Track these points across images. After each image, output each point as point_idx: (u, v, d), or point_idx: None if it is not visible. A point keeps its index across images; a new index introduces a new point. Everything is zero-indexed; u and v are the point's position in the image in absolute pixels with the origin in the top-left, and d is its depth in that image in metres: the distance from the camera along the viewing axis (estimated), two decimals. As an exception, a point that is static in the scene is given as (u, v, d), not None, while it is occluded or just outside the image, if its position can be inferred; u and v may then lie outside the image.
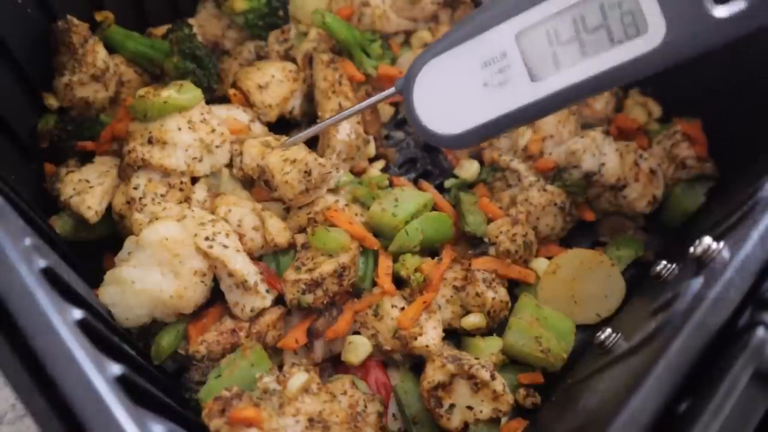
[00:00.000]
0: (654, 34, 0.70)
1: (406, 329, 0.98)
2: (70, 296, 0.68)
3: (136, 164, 1.01)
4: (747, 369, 0.61)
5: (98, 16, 1.17)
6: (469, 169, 1.20)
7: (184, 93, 1.04)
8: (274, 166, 1.02)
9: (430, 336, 0.99)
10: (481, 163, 1.22)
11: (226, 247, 0.97)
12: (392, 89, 0.86)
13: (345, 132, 1.12)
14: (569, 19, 0.73)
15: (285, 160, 1.02)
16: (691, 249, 0.73)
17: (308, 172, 1.02)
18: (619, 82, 0.76)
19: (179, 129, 1.02)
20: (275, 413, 0.82)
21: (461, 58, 0.78)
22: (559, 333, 1.03)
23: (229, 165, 1.10)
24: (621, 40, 0.72)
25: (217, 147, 1.06)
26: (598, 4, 0.72)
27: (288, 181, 1.01)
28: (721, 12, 0.68)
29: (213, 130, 1.05)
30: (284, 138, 1.10)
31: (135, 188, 1.01)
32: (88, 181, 1.04)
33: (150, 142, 1.01)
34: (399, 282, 1.04)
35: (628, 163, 1.15)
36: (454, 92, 0.80)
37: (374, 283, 1.04)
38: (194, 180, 1.07)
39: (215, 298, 1.00)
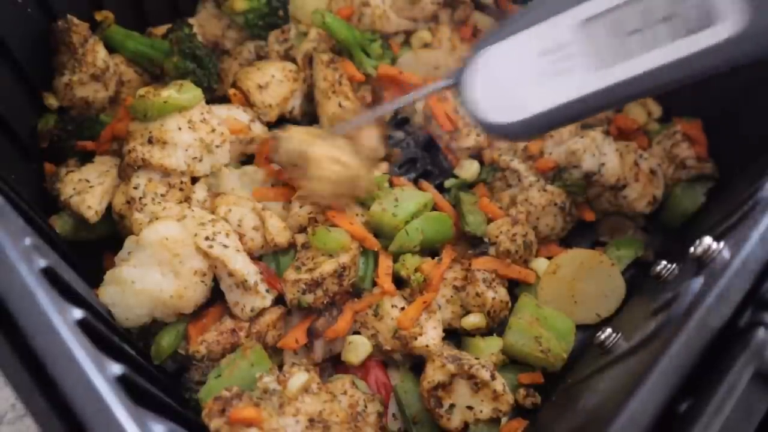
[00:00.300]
0: (728, 24, 0.66)
1: (406, 329, 0.98)
2: (71, 296, 0.68)
3: (136, 164, 1.01)
4: (747, 369, 0.61)
5: (98, 16, 1.17)
6: (469, 169, 1.20)
7: (184, 93, 1.04)
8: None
9: (430, 336, 0.99)
10: (481, 163, 1.22)
11: (226, 246, 0.97)
12: (449, 80, 0.84)
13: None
14: (637, 7, 0.70)
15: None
16: (692, 249, 0.73)
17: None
18: (692, 76, 0.72)
19: (179, 129, 1.02)
20: (275, 413, 0.82)
21: (520, 47, 0.76)
22: (559, 333, 1.03)
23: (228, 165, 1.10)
24: (693, 30, 0.68)
25: (217, 147, 1.06)
26: None
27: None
28: None
29: (213, 130, 1.05)
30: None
31: (135, 188, 1.01)
32: (88, 181, 1.04)
33: (150, 141, 1.01)
34: (399, 282, 1.04)
35: (628, 163, 1.15)
36: (511, 81, 0.78)
37: (374, 283, 1.04)
38: (194, 180, 1.07)
39: (215, 298, 1.00)
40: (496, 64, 0.78)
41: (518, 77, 0.78)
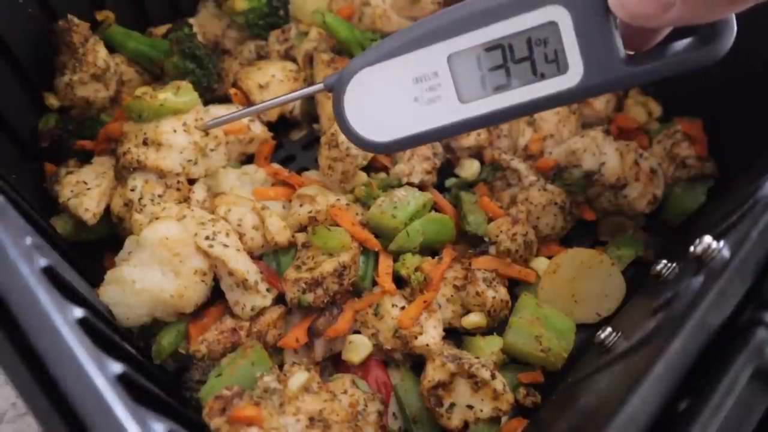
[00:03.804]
0: (573, 74, 0.75)
1: (406, 328, 0.98)
2: (71, 295, 0.68)
3: (131, 166, 1.01)
4: (747, 368, 0.61)
5: (99, 16, 1.17)
6: (469, 168, 1.20)
7: (180, 96, 1.03)
8: None
9: (430, 335, 0.99)
10: (482, 162, 1.22)
11: (226, 246, 0.97)
12: (320, 85, 0.86)
13: None
14: (498, 48, 0.76)
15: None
16: (692, 248, 0.73)
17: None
18: (538, 111, 0.81)
19: (174, 131, 1.02)
20: (276, 412, 0.82)
21: (394, 71, 0.80)
22: (559, 332, 1.03)
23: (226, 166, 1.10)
24: (544, 75, 0.76)
25: (211, 150, 1.06)
26: (525, 39, 0.75)
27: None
28: (631, 63, 0.73)
29: (207, 134, 1.05)
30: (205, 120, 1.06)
31: (132, 190, 1.01)
32: (85, 183, 1.04)
33: (145, 143, 1.01)
34: (399, 281, 1.04)
35: (629, 163, 1.15)
36: (385, 102, 0.82)
37: (375, 283, 1.04)
38: (192, 180, 1.07)
39: (216, 297, 1.00)
40: (371, 83, 0.81)
41: (393, 99, 0.82)
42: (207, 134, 1.05)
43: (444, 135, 0.83)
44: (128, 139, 1.02)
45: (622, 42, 0.73)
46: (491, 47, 0.76)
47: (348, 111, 0.83)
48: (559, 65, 0.75)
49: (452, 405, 0.95)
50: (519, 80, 0.77)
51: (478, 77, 0.78)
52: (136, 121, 1.03)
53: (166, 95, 1.02)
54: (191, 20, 1.26)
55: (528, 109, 0.79)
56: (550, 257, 1.12)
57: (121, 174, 1.03)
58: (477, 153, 1.23)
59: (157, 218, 0.97)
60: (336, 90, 0.83)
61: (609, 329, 0.92)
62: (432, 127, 0.81)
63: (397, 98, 0.81)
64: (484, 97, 0.79)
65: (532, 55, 0.75)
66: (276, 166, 1.18)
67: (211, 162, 1.07)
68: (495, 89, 0.78)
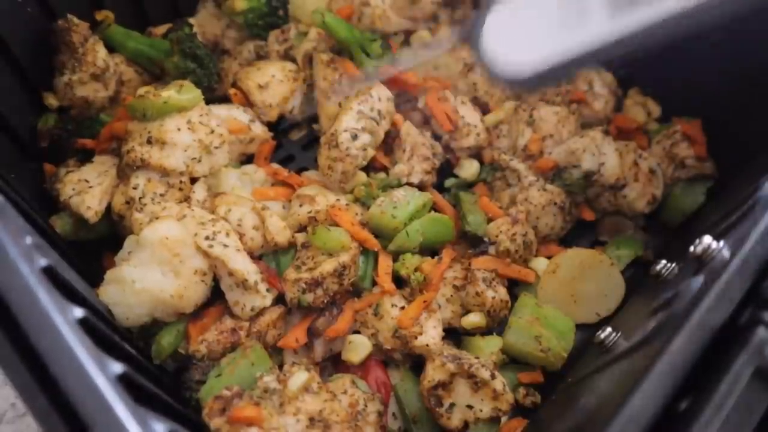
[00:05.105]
0: None
1: (406, 328, 0.98)
2: (71, 295, 0.68)
3: (135, 164, 1.01)
4: (747, 368, 0.61)
5: (98, 16, 1.17)
6: (469, 168, 1.20)
7: (184, 93, 1.03)
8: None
9: (430, 335, 0.99)
10: (481, 162, 1.22)
11: (226, 246, 0.97)
12: (464, 34, 0.85)
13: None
14: None
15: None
16: (691, 248, 0.73)
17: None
18: (702, 25, 0.73)
19: (178, 129, 1.02)
20: (276, 412, 0.82)
21: None
22: (559, 332, 1.03)
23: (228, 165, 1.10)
24: None
25: (216, 148, 1.06)
26: None
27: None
28: None
29: (212, 131, 1.05)
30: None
31: (134, 188, 1.01)
32: (87, 181, 1.04)
33: (149, 142, 1.01)
34: (399, 281, 1.04)
35: (628, 163, 1.15)
36: (528, 26, 0.80)
37: (374, 283, 1.04)
38: (193, 180, 1.07)
39: (215, 297, 1.00)
40: (511, 15, 0.81)
41: (537, 23, 0.80)
42: (212, 132, 1.04)
43: (596, 60, 0.79)
44: (132, 138, 1.02)
45: None
46: None
47: (494, 40, 0.81)
48: None
49: (452, 405, 0.95)
50: None
51: None
52: (140, 120, 1.02)
53: (169, 93, 1.02)
54: (191, 20, 1.25)
55: (688, 22, 0.72)
56: (549, 257, 1.12)
57: (124, 172, 1.03)
58: (476, 153, 1.23)
59: (157, 218, 0.97)
60: (476, 33, 0.81)
61: (609, 329, 0.92)
62: (582, 46, 0.77)
63: (542, 19, 0.79)
64: (635, 8, 0.74)
65: None
66: (276, 166, 1.18)
67: (216, 160, 1.07)
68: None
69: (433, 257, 1.07)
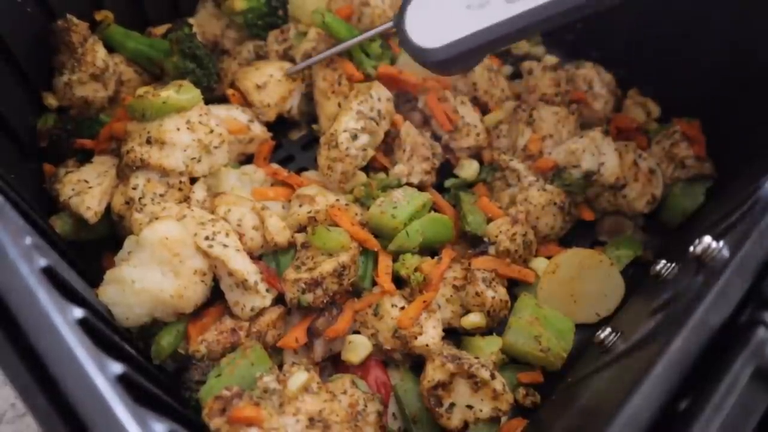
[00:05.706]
0: None
1: (406, 328, 0.98)
2: (71, 295, 0.68)
3: (134, 164, 1.01)
4: (747, 368, 0.61)
5: (98, 16, 1.17)
6: (468, 168, 1.20)
7: (183, 93, 1.03)
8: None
9: (429, 335, 0.99)
10: (481, 162, 1.22)
11: (226, 246, 0.97)
12: (390, 23, 1.03)
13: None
14: None
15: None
16: (691, 248, 0.73)
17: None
18: (586, 10, 0.88)
19: (178, 129, 1.02)
20: (275, 412, 0.82)
21: None
22: (558, 332, 1.03)
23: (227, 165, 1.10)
24: None
25: (215, 148, 1.06)
26: None
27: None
28: None
29: (211, 131, 1.05)
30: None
31: (134, 188, 1.01)
32: (86, 182, 1.04)
33: (149, 142, 1.01)
34: (399, 281, 1.04)
35: (627, 163, 1.15)
36: (442, 14, 0.95)
37: (374, 283, 1.04)
38: (193, 180, 1.07)
39: (215, 297, 1.00)
40: (428, 4, 0.97)
41: (448, 11, 0.96)
42: (211, 131, 1.04)
43: (495, 41, 0.92)
44: (132, 138, 1.02)
45: None
46: None
47: (410, 31, 0.97)
48: None
49: (452, 405, 0.95)
50: None
51: None
52: (139, 121, 1.02)
53: (168, 93, 1.02)
54: (190, 20, 1.25)
55: (573, 7, 0.87)
56: (549, 257, 1.12)
57: (124, 172, 1.03)
58: (476, 153, 1.23)
59: (156, 218, 0.97)
60: (401, 24, 0.97)
61: (608, 329, 0.92)
62: (483, 26, 0.92)
63: (452, 8, 0.94)
64: None
65: None
66: (275, 166, 1.18)
67: (215, 160, 1.07)
68: None
69: (432, 257, 1.07)
